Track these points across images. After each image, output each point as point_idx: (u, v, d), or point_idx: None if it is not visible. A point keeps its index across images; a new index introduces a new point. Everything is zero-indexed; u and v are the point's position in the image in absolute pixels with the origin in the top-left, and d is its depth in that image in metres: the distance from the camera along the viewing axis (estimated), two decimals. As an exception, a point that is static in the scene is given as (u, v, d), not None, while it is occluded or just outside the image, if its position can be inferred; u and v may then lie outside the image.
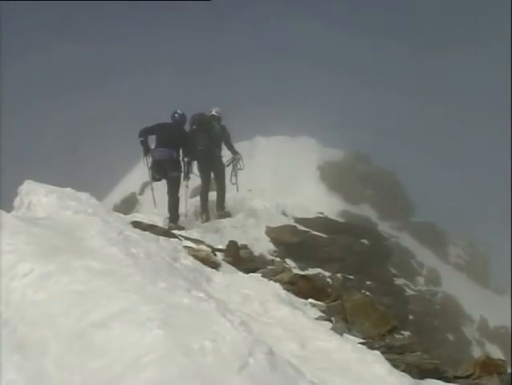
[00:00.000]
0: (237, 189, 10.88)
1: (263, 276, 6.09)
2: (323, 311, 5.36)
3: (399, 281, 14.26)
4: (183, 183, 9.55)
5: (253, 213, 10.30)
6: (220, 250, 7.22)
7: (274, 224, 10.03)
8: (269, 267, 7.32)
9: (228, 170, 10.60)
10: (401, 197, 27.77)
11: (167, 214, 9.22)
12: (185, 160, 9.43)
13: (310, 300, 5.64)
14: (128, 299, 2.91)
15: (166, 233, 6.72)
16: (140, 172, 28.70)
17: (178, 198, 9.36)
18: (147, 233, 5.76)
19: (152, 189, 10.02)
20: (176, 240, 6.47)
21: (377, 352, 3.90)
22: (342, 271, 10.03)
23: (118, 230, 4.78)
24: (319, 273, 9.35)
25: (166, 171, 9.21)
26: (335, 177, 24.44)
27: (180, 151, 9.37)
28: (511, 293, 22.91)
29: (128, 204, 25.30)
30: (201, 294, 3.32)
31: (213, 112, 10.51)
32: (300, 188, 22.66)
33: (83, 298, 2.97)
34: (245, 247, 8.23)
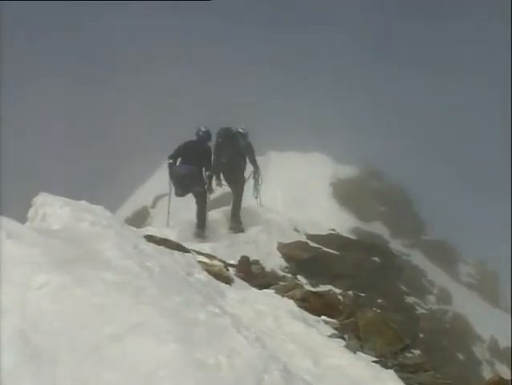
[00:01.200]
0: (260, 203, 11.54)
1: (276, 292, 6.07)
2: (336, 328, 5.31)
3: (409, 300, 14.12)
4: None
5: (265, 229, 10.26)
6: (232, 265, 7.19)
7: (285, 240, 9.98)
8: (281, 283, 7.29)
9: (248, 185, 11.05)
10: (413, 215, 27.61)
11: (179, 228, 9.33)
12: (206, 173, 9.83)
13: (323, 317, 5.60)
14: (144, 312, 2.90)
15: (179, 248, 6.70)
16: (152, 185, 28.97)
17: (205, 211, 9.87)
18: (161, 247, 5.77)
19: (169, 204, 10.49)
20: (189, 254, 6.46)
21: (391, 371, 3.85)
22: (353, 288, 9.93)
23: (133, 243, 4.79)
24: (330, 290, 9.25)
25: (188, 186, 9.66)
26: (347, 194, 24.34)
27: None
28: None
29: (139, 218, 25.35)
30: (217, 310, 3.30)
31: (239, 129, 10.84)
32: (312, 204, 22.56)
33: (99, 311, 2.95)
34: (256, 262, 8.20)
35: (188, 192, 9.81)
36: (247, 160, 10.65)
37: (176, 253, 5.82)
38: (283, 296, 5.76)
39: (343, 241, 11.98)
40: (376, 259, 11.51)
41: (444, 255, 26.30)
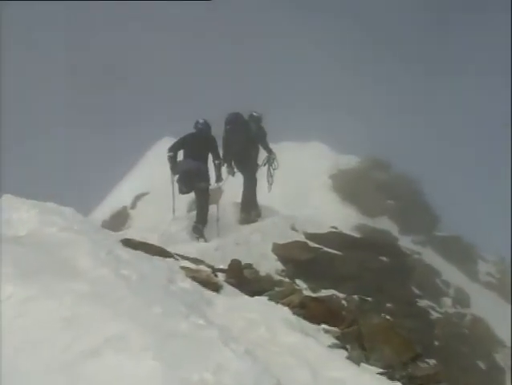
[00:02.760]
0: (269, 190, 11.75)
1: (270, 299, 6.05)
2: (337, 338, 5.32)
3: (422, 303, 14.15)
4: (215, 187, 10.57)
5: (258, 228, 10.28)
6: (221, 270, 7.16)
7: (282, 240, 9.95)
8: (276, 289, 7.26)
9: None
10: (424, 208, 27.64)
11: (161, 229, 9.35)
12: (215, 162, 10.31)
13: (324, 325, 5.61)
14: (121, 326, 2.92)
15: (161, 252, 6.70)
16: (132, 183, 28.88)
17: (207, 207, 10.15)
18: (139, 252, 5.77)
19: (174, 202, 10.72)
20: (171, 259, 6.47)
21: (398, 383, 3.88)
22: (358, 292, 9.92)
23: (107, 249, 4.81)
24: (333, 295, 9.26)
25: (193, 182, 9.98)
26: (349, 187, 24.32)
27: (210, 159, 10.28)
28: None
29: (118, 220, 25.25)
30: (201, 320, 3.32)
31: (253, 113, 11.19)
32: (311, 199, 22.57)
33: (70, 325, 2.97)
34: (249, 266, 8.17)
35: (192, 188, 10.14)
36: (260, 146, 11.10)
37: (157, 258, 5.82)
38: (278, 303, 5.75)
39: (346, 239, 11.97)
40: (384, 259, 11.51)
41: (461, 252, 26.35)
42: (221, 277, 6.80)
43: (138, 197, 26.62)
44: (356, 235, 15.30)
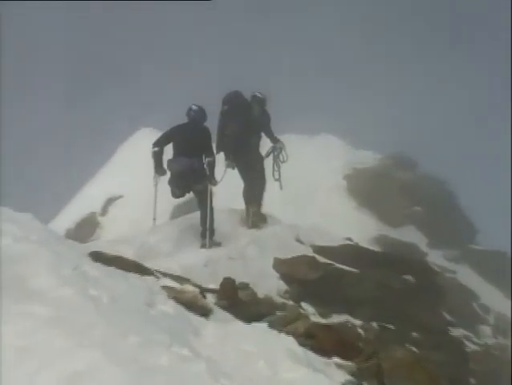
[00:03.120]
0: (281, 187, 11.71)
1: (271, 325, 5.96)
2: (352, 374, 5.32)
3: (456, 332, 14.15)
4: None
5: (256, 239, 10.29)
6: (211, 291, 7.18)
7: (284, 255, 9.94)
8: (278, 313, 7.31)
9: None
10: (458, 216, 27.67)
11: (139, 240, 9.34)
12: (208, 160, 10.19)
13: (336, 358, 5.61)
14: (89, 358, 2.91)
15: (138, 268, 6.68)
16: (102, 184, 28.86)
17: (212, 209, 10.22)
18: (111, 267, 5.79)
19: (155, 207, 10.63)
20: (151, 277, 6.45)
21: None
22: (378, 318, 9.92)
23: (72, 264, 4.82)
24: (347, 322, 9.26)
25: (188, 184, 10.10)
26: (367, 189, 24.33)
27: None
28: None
29: (86, 229, 25.28)
30: (186, 352, 3.33)
31: (256, 93, 11.27)
32: (320, 204, 22.57)
33: (27, 356, 2.95)
34: (245, 286, 8.16)
35: (187, 191, 10.24)
36: (262, 134, 11.23)
37: (133, 275, 5.82)
38: (281, 331, 5.73)
39: (364, 254, 11.94)
40: (409, 278, 11.49)
41: (503, 271, 26.34)
42: (210, 298, 6.80)
43: (110, 201, 26.67)
44: (375, 248, 15.30)
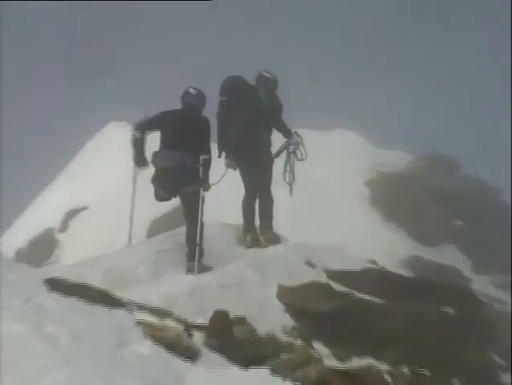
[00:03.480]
0: (291, 193, 11.82)
1: (274, 371, 6.03)
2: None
3: (508, 378, 14.11)
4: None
5: (255, 262, 10.22)
6: (199, 327, 7.19)
7: (291, 282, 9.93)
8: (283, 356, 7.33)
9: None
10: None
11: (108, 263, 9.32)
12: (203, 158, 10.18)
13: (357, 414, 5.60)
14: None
15: (106, 299, 6.67)
16: (62, 192, 28.88)
17: (202, 224, 10.20)
18: (73, 299, 5.80)
19: (132, 215, 10.72)
20: (123, 310, 6.43)
21: None
22: (409, 361, 9.85)
23: (24, 295, 4.85)
24: (371, 366, 9.17)
25: (178, 185, 10.13)
26: (395, 199, 24.35)
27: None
28: None
29: (41, 249, 25.30)
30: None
31: (264, 73, 11.22)
32: (337, 217, 22.57)
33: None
34: (242, 321, 8.15)
35: (175, 194, 10.26)
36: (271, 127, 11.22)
37: (101, 308, 5.83)
38: (286, 378, 5.81)
39: (391, 280, 11.90)
40: (449, 310, 11.44)
41: None
42: (198, 337, 6.82)
43: (71, 214, 26.74)
44: (406, 273, 15.25)
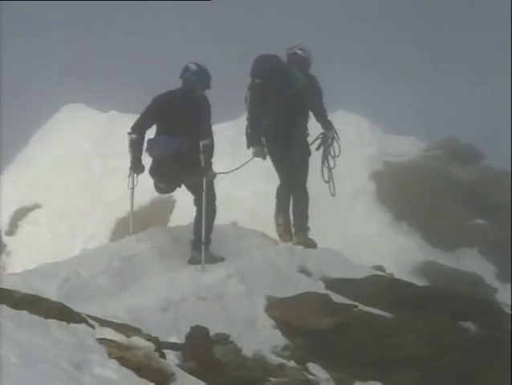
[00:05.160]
0: (333, 193, 12.44)
1: None
2: None
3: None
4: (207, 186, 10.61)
5: (240, 270, 10.22)
6: (173, 347, 7.21)
7: (283, 293, 9.95)
8: (273, 380, 7.40)
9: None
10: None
11: (64, 272, 9.33)
12: (202, 142, 10.24)
13: None
14: None
15: (63, 314, 6.62)
16: (9, 187, 28.72)
17: (213, 209, 10.68)
18: (24, 312, 5.75)
19: (131, 216, 11.26)
20: (82, 326, 6.38)
21: None
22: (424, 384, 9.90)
23: None
24: (379, 392, 9.25)
25: (178, 175, 10.44)
26: (407, 194, 24.34)
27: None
28: None
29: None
30: None
31: (297, 50, 11.41)
32: (338, 216, 22.57)
33: None
34: (224, 340, 8.15)
35: (177, 185, 10.60)
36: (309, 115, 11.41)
37: (56, 324, 5.75)
38: None
39: (402, 289, 11.92)
40: (471, 326, 11.46)
41: None
42: (172, 358, 6.81)
43: (20, 214, 26.66)
44: (419, 282, 15.26)
